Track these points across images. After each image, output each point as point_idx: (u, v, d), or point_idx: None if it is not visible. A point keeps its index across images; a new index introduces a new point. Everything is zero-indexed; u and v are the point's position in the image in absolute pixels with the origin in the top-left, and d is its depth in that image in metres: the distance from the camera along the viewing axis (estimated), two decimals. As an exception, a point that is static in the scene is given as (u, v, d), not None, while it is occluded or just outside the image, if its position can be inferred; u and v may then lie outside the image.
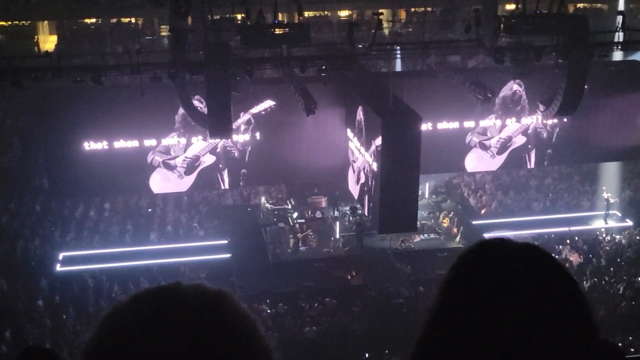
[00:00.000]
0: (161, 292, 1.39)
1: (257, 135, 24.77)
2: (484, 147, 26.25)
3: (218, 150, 24.65)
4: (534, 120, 26.24)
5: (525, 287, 1.48)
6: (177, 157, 24.33)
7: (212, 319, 1.34)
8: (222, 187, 26.09)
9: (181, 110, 23.37)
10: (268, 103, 24.23)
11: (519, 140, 26.43)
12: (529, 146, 26.70)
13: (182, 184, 24.84)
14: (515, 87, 25.66)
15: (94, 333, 1.37)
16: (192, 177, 24.74)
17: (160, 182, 24.52)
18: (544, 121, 26.03)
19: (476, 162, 26.41)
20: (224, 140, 24.03)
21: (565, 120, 25.61)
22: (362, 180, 24.05)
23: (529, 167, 27.84)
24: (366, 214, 24.48)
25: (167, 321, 1.32)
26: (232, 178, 25.25)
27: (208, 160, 24.69)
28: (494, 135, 26.26)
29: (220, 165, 24.94)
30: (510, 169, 29.44)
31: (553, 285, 1.51)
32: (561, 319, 1.47)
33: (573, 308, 1.50)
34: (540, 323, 1.45)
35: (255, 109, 24.21)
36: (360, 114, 23.60)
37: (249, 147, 24.83)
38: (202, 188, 26.59)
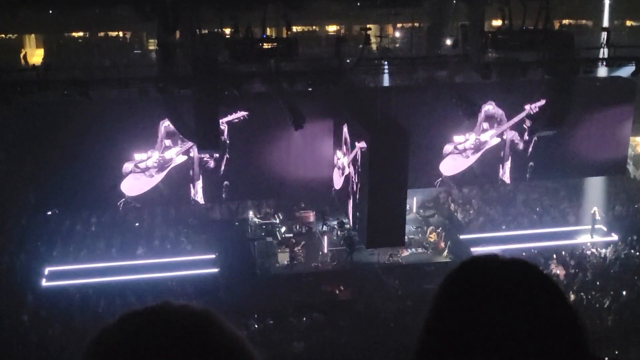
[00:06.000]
0: (148, 314, 1.38)
1: (242, 148, 24.59)
2: (459, 151, 26.25)
3: (192, 154, 24.27)
4: (512, 135, 26.33)
5: (516, 303, 1.49)
6: (148, 159, 24.10)
7: (201, 341, 1.33)
8: (194, 200, 25.32)
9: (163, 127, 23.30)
10: (241, 113, 24.01)
11: (494, 142, 26.43)
12: (503, 155, 26.68)
13: (152, 181, 24.40)
14: (488, 107, 25.70)
15: (82, 357, 1.35)
16: (162, 175, 24.39)
17: (131, 183, 24.11)
18: (525, 135, 26.12)
19: (451, 162, 26.31)
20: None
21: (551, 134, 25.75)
22: (346, 172, 24.08)
23: (500, 176, 27.25)
24: (350, 221, 24.50)
25: (156, 345, 1.31)
26: (210, 191, 24.98)
27: (179, 159, 24.36)
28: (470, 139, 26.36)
29: (192, 175, 24.62)
30: (497, 185, 29.51)
31: (543, 300, 1.52)
32: (552, 334, 1.48)
33: (564, 323, 1.52)
34: (532, 339, 1.46)
35: (230, 117, 23.93)
36: (345, 131, 23.67)
37: (225, 160, 24.60)
38: (174, 199, 25.68)
